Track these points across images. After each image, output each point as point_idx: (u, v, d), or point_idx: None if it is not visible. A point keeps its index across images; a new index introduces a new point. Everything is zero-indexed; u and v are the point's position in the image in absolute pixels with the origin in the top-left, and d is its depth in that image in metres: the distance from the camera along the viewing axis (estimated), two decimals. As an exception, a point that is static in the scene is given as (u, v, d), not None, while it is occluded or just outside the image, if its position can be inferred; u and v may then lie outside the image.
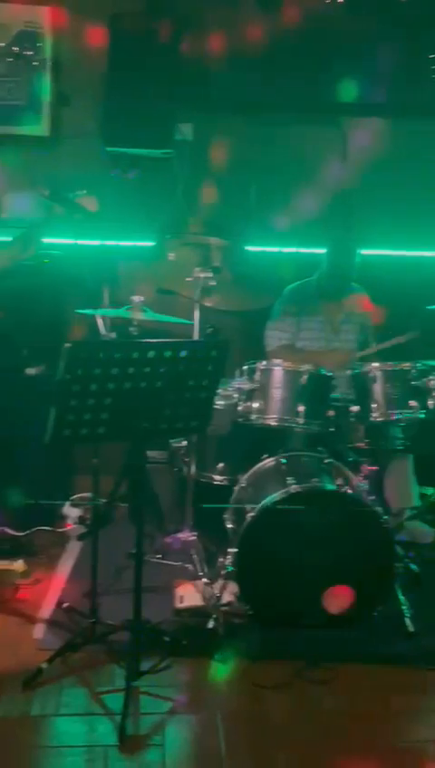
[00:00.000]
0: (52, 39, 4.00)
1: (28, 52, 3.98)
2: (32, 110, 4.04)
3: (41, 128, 4.05)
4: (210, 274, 3.35)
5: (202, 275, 3.34)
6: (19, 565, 3.20)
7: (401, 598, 2.95)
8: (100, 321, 3.00)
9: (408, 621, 2.89)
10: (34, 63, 4.00)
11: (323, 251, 3.89)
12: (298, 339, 3.82)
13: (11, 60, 3.99)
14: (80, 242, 2.93)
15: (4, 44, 3.99)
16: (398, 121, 4.18)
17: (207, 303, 3.45)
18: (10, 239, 3.09)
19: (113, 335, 3.14)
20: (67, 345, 2.35)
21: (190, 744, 2.41)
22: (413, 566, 3.16)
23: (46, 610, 3.04)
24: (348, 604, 2.88)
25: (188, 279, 3.36)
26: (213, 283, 3.37)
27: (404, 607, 2.93)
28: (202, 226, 3.87)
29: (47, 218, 2.99)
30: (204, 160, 4.03)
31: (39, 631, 2.90)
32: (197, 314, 3.39)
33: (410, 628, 2.87)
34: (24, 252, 3.03)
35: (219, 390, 3.19)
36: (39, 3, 3.97)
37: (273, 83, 3.96)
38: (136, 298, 3.38)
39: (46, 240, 3.15)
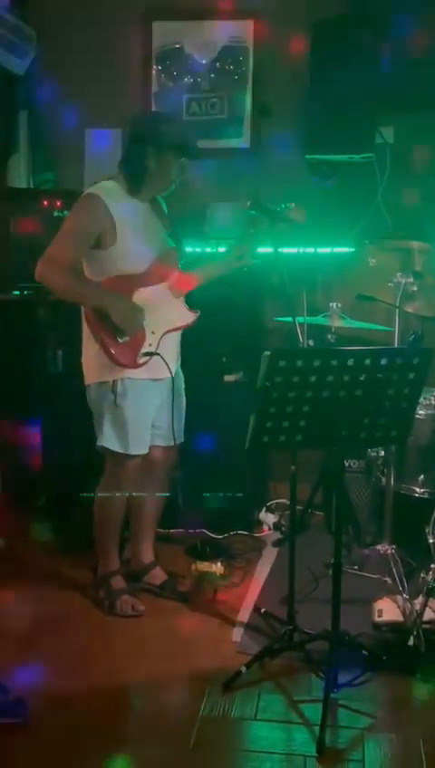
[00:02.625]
0: (254, 52, 4.08)
1: (231, 67, 4.11)
2: (233, 122, 4.14)
3: (242, 140, 4.15)
4: (412, 279, 3.26)
5: (403, 280, 3.26)
6: (218, 568, 3.27)
7: None
8: (298, 329, 3.00)
9: None
10: (236, 77, 4.12)
11: None
12: None
13: (214, 75, 4.14)
14: (279, 250, 2.96)
15: (207, 61, 4.14)
16: None
17: (409, 309, 3.36)
18: (223, 250, 3.19)
19: (311, 343, 3.14)
20: (266, 353, 2.38)
21: (391, 764, 2.32)
22: None
23: (244, 614, 3.08)
24: None
25: (388, 284, 3.29)
26: (415, 288, 3.28)
27: None
28: (403, 230, 3.77)
29: (257, 229, 3.06)
30: (405, 163, 3.92)
31: (237, 634, 2.95)
32: (397, 321, 3.31)
33: None
34: (239, 261, 3.12)
35: (421, 400, 3.09)
36: (243, 17, 4.06)
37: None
38: (333, 305, 3.37)
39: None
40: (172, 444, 3.15)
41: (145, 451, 3.06)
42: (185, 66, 4.15)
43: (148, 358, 2.96)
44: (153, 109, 4.18)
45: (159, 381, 3.04)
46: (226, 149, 4.14)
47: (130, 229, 2.92)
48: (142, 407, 3.01)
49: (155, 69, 4.18)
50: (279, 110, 4.08)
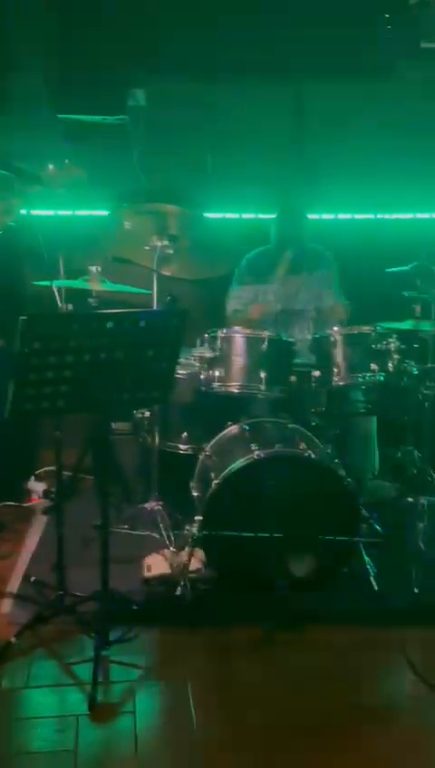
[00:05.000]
0: (-2, 1, 3.88)
1: (-28, 16, 3.88)
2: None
3: (-12, 95, 3.95)
4: (167, 243, 3.32)
5: (159, 244, 3.31)
6: (-15, 541, 3.19)
7: (366, 558, 2.99)
8: (56, 293, 2.95)
9: (372, 580, 2.94)
10: (-22, 27, 3.90)
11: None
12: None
13: None
14: (33, 212, 2.88)
15: None
16: (354, 81, 4.13)
17: (166, 272, 3.42)
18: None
19: (71, 306, 3.11)
20: (23, 318, 2.32)
21: (161, 710, 2.44)
22: (377, 527, 3.22)
23: (13, 585, 3.03)
24: (314, 566, 2.91)
25: (145, 248, 3.33)
26: (171, 251, 3.34)
27: (369, 566, 2.98)
28: (158, 194, 3.82)
29: (7, 190, 2.94)
30: (159, 126, 3.96)
31: (7, 606, 2.90)
32: (155, 283, 3.36)
33: (375, 587, 2.93)
34: None
35: (181, 359, 3.18)
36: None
37: (227, 44, 3.88)
38: (93, 268, 3.34)
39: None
40: None
41: None
42: None
43: None
44: None
45: None
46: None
47: None
48: None
49: None
50: (31, 66, 3.92)
